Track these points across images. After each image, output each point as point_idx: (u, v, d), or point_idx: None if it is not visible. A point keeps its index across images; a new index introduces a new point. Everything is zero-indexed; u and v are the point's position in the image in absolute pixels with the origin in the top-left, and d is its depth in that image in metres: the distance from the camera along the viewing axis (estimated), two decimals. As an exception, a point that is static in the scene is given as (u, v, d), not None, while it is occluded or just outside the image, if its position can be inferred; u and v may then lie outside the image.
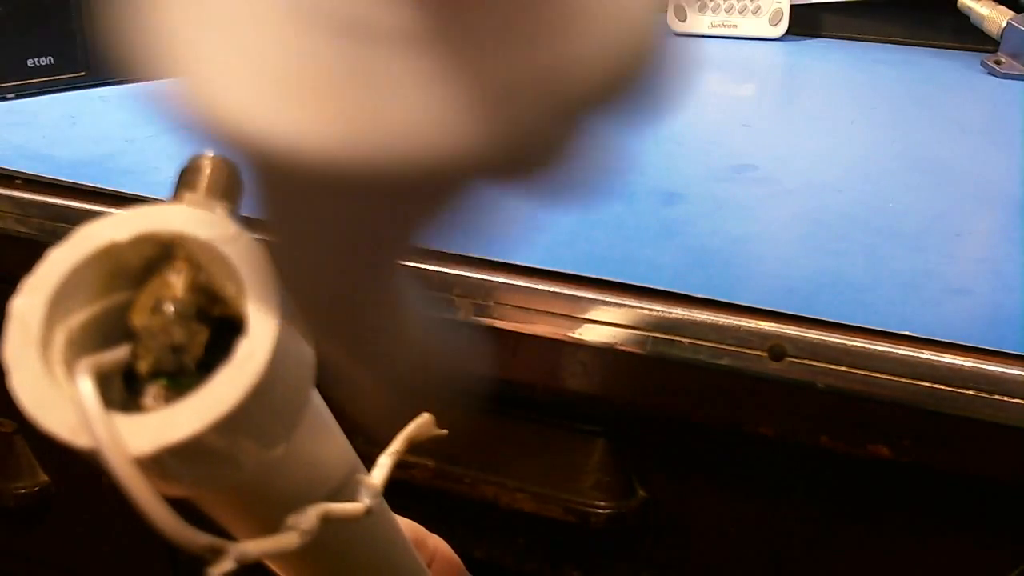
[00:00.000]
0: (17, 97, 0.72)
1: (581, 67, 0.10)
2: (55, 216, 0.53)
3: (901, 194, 0.59)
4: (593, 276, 0.46)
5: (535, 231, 0.52)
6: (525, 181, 0.14)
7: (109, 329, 0.21)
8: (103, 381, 0.19)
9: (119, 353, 0.20)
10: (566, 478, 0.51)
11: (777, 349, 0.42)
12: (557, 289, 0.45)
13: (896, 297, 0.45)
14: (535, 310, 0.45)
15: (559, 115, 0.11)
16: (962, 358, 0.40)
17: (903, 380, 0.41)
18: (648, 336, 0.44)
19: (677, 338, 0.43)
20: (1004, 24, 0.88)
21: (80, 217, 0.55)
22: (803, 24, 1.00)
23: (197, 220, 0.21)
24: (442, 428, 0.31)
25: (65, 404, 0.19)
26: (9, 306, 0.20)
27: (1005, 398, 0.40)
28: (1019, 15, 0.87)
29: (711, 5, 0.97)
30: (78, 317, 0.21)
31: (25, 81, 0.73)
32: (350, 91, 0.10)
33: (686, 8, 0.98)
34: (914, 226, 0.54)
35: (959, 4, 0.91)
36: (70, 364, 0.20)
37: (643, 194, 0.57)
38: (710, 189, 0.59)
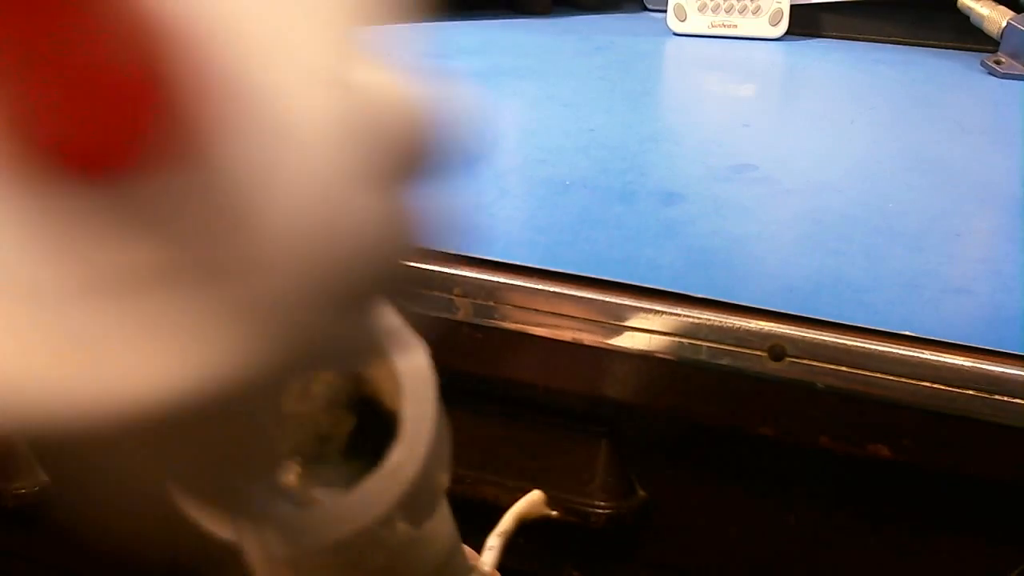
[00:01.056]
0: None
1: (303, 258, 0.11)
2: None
3: (901, 194, 0.59)
4: (594, 276, 0.46)
5: (536, 231, 0.52)
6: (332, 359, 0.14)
7: None
8: None
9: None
10: (566, 478, 0.51)
11: (777, 349, 0.42)
12: (557, 289, 0.45)
13: (896, 297, 0.45)
14: (535, 310, 0.45)
15: (316, 306, 0.11)
16: (962, 358, 0.40)
17: (903, 380, 0.41)
18: (648, 336, 0.44)
19: (677, 338, 0.43)
20: (1004, 24, 0.88)
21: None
22: (803, 24, 1.00)
23: None
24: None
25: None
26: None
27: (1005, 398, 0.40)
28: (1019, 15, 0.87)
29: (711, 5, 0.97)
30: None
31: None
32: (87, 345, 0.10)
33: (686, 8, 0.98)
34: (914, 226, 0.54)
35: (959, 4, 0.91)
36: None
37: (643, 194, 0.57)
38: (710, 189, 0.59)
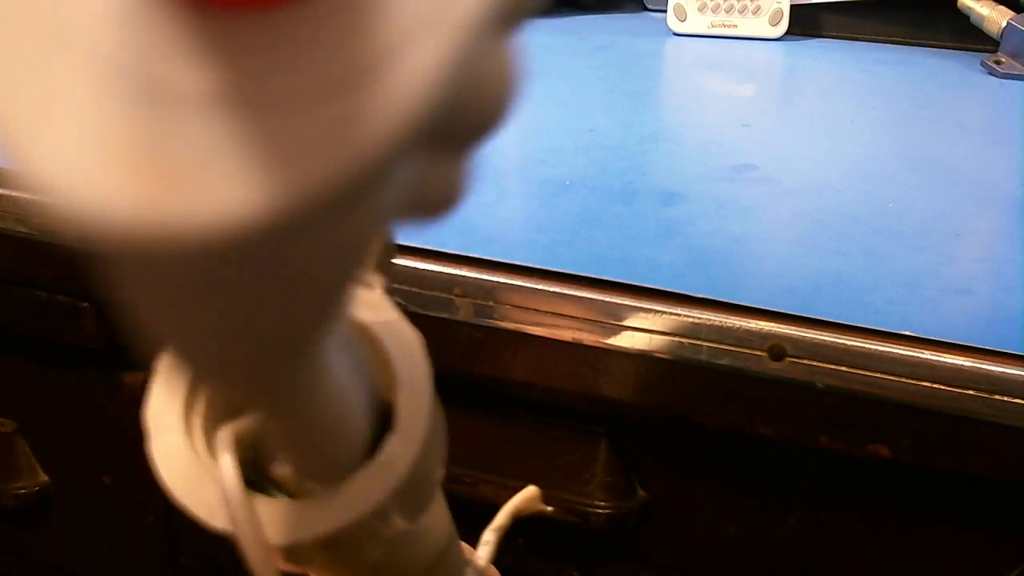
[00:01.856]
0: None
1: (396, 110, 0.10)
2: (55, 216, 0.53)
3: (901, 194, 0.59)
4: (593, 276, 0.46)
5: (536, 231, 0.52)
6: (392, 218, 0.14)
7: None
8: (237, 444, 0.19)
9: (256, 423, 0.20)
10: (566, 478, 0.51)
11: (777, 349, 0.42)
12: (557, 289, 0.45)
13: (896, 297, 0.45)
14: (535, 310, 0.45)
15: (383, 160, 0.10)
16: (962, 358, 0.40)
17: (903, 380, 0.41)
18: (648, 336, 0.44)
19: (677, 338, 0.43)
20: (1004, 24, 0.88)
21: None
22: (803, 24, 1.00)
23: (355, 298, 0.20)
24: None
25: (204, 480, 0.19)
26: (157, 365, 0.20)
27: (1005, 398, 0.40)
28: (1019, 15, 0.87)
29: (711, 5, 0.97)
30: None
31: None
32: (159, 158, 0.10)
33: (686, 8, 0.98)
34: (914, 226, 0.54)
35: (959, 4, 0.91)
36: (210, 431, 0.19)
37: (643, 194, 0.57)
38: (710, 189, 0.59)
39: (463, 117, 0.14)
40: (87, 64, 0.10)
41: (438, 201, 0.15)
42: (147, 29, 0.10)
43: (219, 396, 0.20)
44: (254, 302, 0.12)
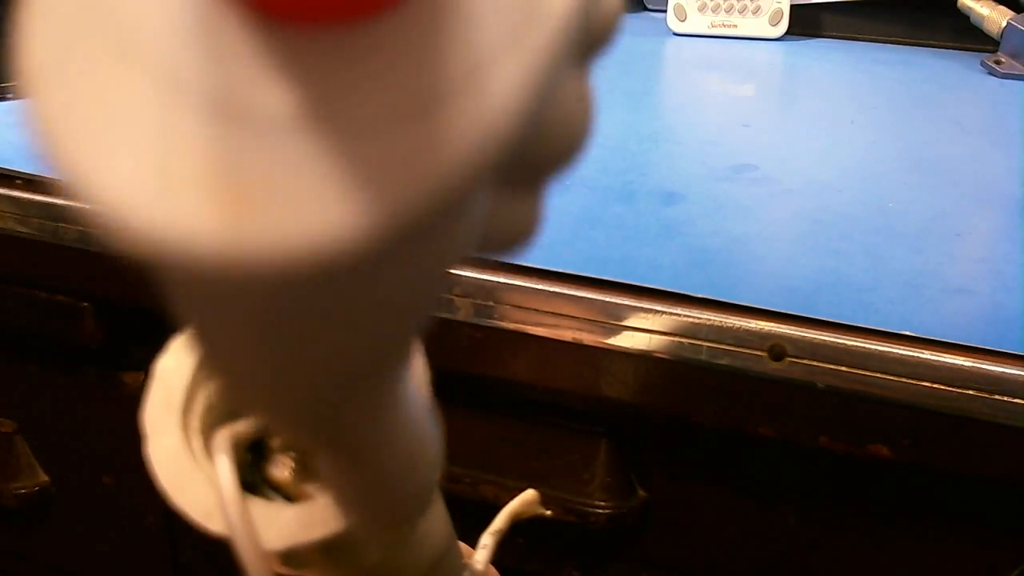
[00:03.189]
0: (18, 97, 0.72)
1: (476, 137, 0.10)
2: (55, 216, 0.53)
3: (901, 194, 0.59)
4: (593, 276, 0.46)
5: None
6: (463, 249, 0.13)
7: None
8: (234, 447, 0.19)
9: (254, 425, 0.20)
10: (566, 478, 0.51)
11: (777, 349, 0.42)
12: (557, 289, 0.45)
13: (896, 297, 0.45)
14: (535, 310, 0.45)
15: (461, 187, 0.10)
16: (962, 358, 0.40)
17: (903, 380, 0.41)
18: (648, 336, 0.44)
19: (677, 338, 0.43)
20: (1004, 24, 0.88)
21: (80, 217, 0.55)
22: (803, 24, 1.00)
23: None
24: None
25: (201, 483, 0.18)
26: (154, 366, 0.19)
27: (1005, 398, 0.40)
28: (1019, 15, 0.87)
29: (711, 5, 0.97)
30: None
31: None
32: (237, 181, 0.09)
33: (686, 8, 0.98)
34: (914, 226, 0.54)
35: (959, 4, 0.91)
36: (207, 433, 0.19)
37: (643, 194, 0.57)
38: (710, 189, 0.59)
39: (540, 148, 0.13)
40: (155, 82, 0.09)
41: (511, 236, 0.15)
42: (220, 44, 0.10)
43: (285, 441, 0.20)
44: (329, 333, 0.12)
